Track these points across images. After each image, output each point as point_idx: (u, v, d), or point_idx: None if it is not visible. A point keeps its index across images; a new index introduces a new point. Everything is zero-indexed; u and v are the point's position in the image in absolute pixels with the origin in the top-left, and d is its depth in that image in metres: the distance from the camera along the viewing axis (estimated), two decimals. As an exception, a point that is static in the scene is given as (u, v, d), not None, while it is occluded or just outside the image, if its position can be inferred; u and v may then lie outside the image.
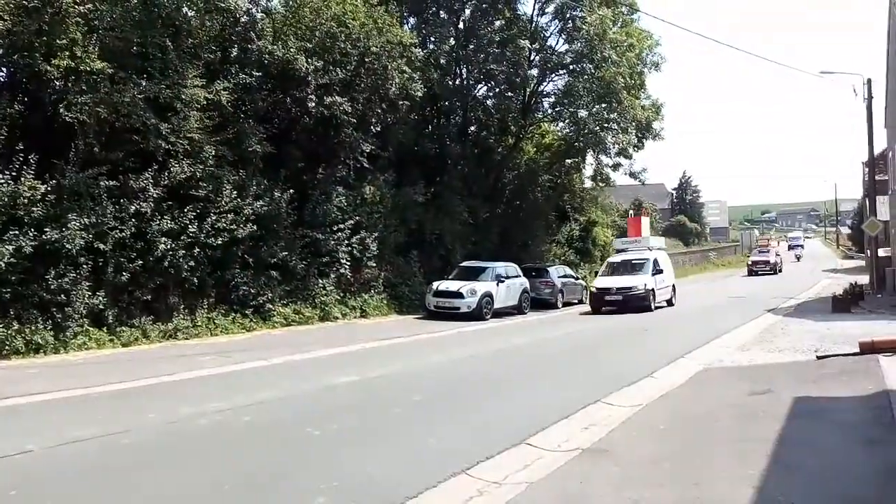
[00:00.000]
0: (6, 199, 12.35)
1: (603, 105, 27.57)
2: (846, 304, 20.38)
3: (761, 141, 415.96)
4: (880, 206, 29.29)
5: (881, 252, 28.61)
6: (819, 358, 10.94)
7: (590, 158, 32.23)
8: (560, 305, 25.23)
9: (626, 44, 27.96)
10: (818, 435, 6.61)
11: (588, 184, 36.17)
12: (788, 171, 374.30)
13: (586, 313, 23.44)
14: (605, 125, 27.95)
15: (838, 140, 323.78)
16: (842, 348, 11.48)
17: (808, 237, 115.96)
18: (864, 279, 29.63)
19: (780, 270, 45.52)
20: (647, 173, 33.21)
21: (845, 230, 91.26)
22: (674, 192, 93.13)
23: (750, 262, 47.56)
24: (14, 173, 12.51)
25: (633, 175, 32.57)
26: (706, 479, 5.44)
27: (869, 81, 26.50)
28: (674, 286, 25.96)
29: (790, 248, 70.77)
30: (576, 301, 26.66)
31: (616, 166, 32.03)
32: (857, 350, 10.78)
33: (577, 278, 28.23)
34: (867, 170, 30.24)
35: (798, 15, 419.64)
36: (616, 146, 29.75)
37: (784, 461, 5.74)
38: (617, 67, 26.51)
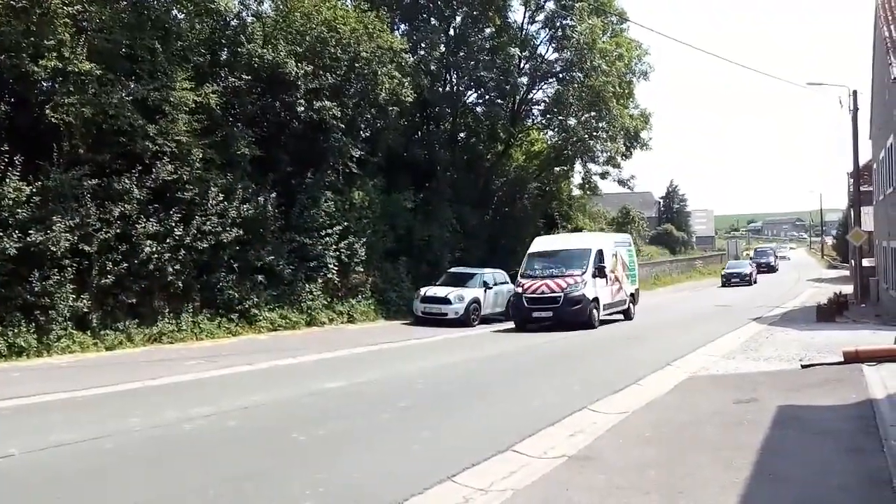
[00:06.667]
0: (-9, 201, 12.22)
1: (592, 113, 27.75)
2: (830, 313, 20.59)
3: (748, 151, 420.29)
4: (865, 216, 29.60)
5: (865, 262, 28.90)
6: (804, 367, 11.02)
7: (578, 166, 32.51)
8: (547, 312, 25.18)
9: (615, 53, 28.19)
10: (802, 443, 6.65)
11: (576, 192, 36.32)
12: (775, 180, 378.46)
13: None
14: (594, 133, 28.14)
15: (824, 151, 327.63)
16: (826, 357, 11.57)
17: (791, 247, 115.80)
18: (848, 289, 29.93)
19: None
20: (634, 181, 33.51)
21: (830, 240, 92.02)
22: (661, 201, 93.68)
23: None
24: (-1, 175, 12.39)
25: (621, 183, 32.81)
26: (691, 486, 5.46)
27: (854, 93, 26.71)
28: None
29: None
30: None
31: (604, 174, 32.28)
32: (842, 359, 10.87)
33: (564, 285, 28.19)
34: (852, 181, 30.50)
35: (787, 25, 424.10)
36: (604, 154, 30.04)
37: (768, 469, 5.77)
38: (606, 76, 26.65)
